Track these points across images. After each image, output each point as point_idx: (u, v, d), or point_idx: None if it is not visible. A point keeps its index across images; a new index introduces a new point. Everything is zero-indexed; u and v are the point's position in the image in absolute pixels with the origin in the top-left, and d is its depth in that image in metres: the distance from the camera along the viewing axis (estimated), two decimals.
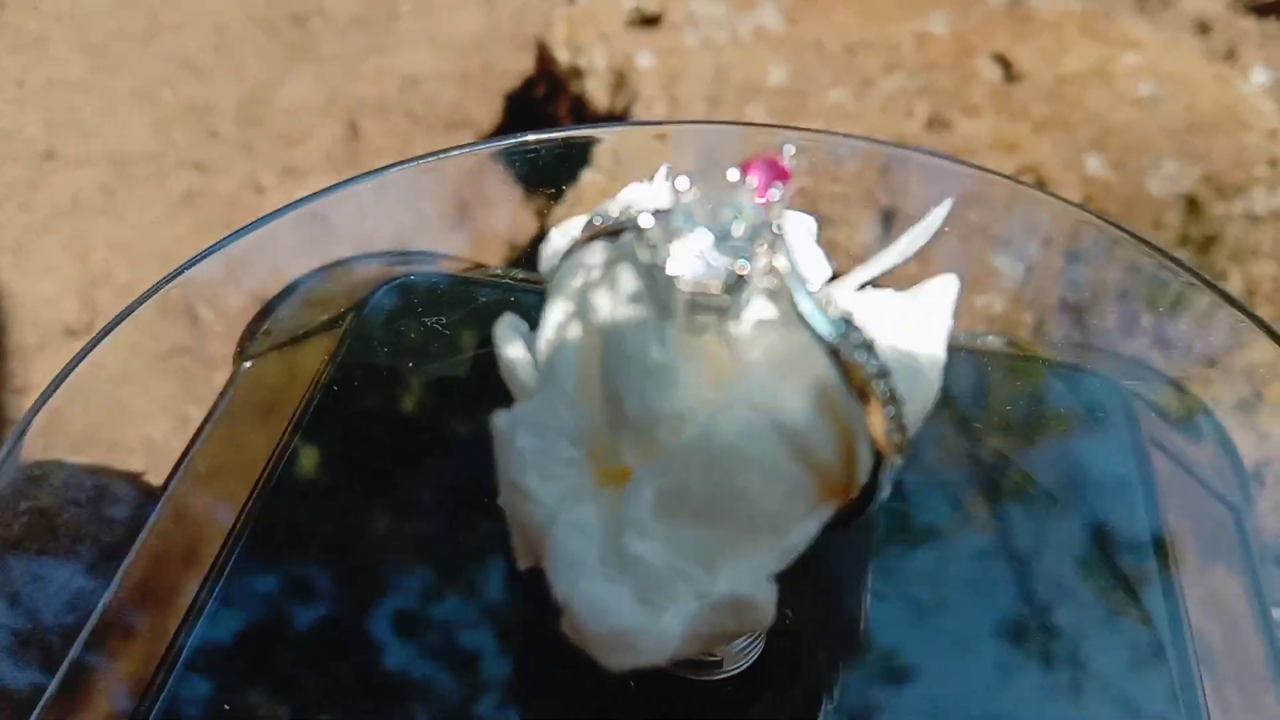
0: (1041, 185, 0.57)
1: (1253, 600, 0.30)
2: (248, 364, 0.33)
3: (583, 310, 0.15)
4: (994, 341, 0.35)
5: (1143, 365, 0.36)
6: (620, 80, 0.66)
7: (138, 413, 0.50)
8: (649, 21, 0.70)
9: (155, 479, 0.31)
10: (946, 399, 0.34)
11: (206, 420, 0.32)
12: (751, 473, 0.14)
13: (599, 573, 0.14)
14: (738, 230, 0.14)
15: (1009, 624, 0.26)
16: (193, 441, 0.32)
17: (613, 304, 0.15)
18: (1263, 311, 0.65)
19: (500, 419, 0.15)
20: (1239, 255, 0.60)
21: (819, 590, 0.24)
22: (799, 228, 0.19)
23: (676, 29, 0.68)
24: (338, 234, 0.36)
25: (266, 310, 0.36)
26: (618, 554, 0.14)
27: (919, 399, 0.15)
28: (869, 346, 0.14)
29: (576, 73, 0.68)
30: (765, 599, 0.14)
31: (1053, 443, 0.31)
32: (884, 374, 0.14)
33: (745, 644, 0.22)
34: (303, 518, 0.28)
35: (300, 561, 0.26)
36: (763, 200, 0.14)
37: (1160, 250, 0.33)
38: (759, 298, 0.14)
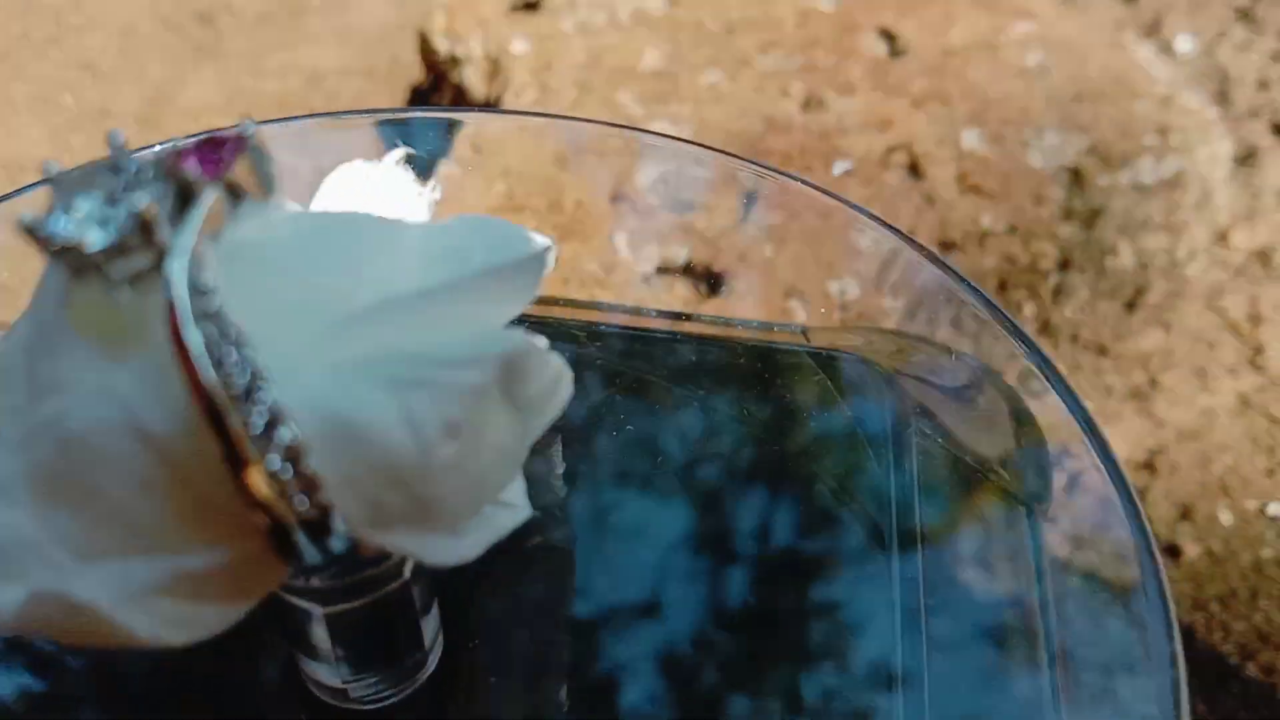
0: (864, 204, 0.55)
1: (1036, 588, 0.28)
2: None
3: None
4: (782, 332, 0.33)
5: (962, 359, 0.34)
6: (495, 67, 0.64)
7: None
8: (529, 6, 0.68)
9: None
10: (717, 389, 0.32)
11: None
12: (104, 471, 0.12)
13: None
14: (118, 202, 0.12)
15: (743, 613, 0.25)
16: None
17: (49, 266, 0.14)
18: (1159, 286, 0.62)
19: None
20: (1128, 228, 0.58)
21: (500, 623, 0.23)
22: (528, 254, 0.16)
23: (555, 14, 0.66)
24: None
25: None
26: None
27: (375, 464, 0.13)
28: (248, 368, 0.12)
29: (454, 61, 0.66)
30: (108, 610, 0.12)
31: (819, 441, 0.30)
32: (254, 403, 0.11)
33: (389, 679, 0.20)
34: None
35: None
36: (174, 176, 0.12)
37: (960, 276, 0.31)
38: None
